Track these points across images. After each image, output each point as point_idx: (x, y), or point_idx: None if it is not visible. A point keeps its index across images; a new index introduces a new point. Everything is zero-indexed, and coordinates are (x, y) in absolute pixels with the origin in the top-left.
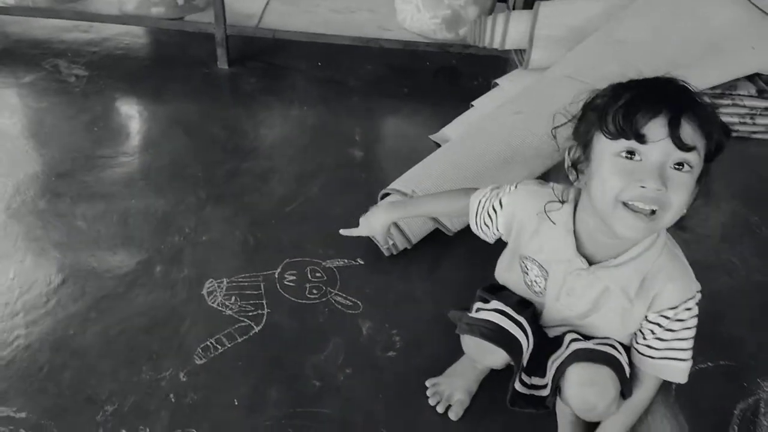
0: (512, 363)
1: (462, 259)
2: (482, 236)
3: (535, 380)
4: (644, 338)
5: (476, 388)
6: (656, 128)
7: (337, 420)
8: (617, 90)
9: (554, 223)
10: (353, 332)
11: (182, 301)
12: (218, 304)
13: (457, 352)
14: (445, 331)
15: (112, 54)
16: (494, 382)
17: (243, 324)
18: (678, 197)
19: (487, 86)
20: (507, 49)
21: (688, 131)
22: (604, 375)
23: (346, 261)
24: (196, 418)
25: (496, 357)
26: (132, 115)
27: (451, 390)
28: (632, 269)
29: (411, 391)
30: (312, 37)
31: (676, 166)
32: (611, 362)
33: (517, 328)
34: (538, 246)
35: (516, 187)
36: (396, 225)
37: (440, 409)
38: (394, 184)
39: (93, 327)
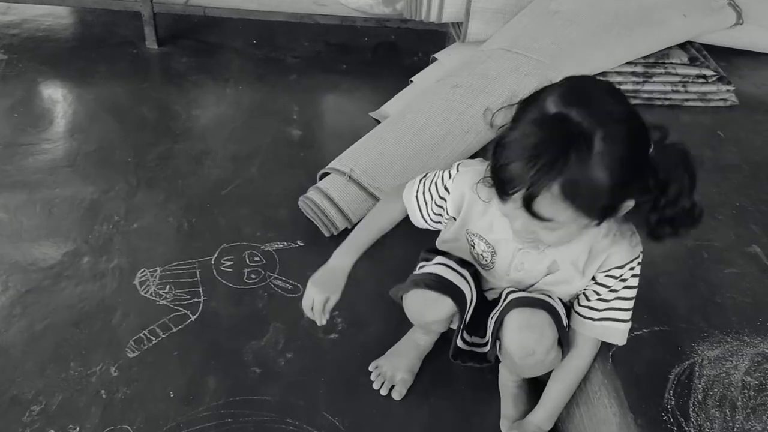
0: (456, 317)
1: (404, 238)
2: (434, 227)
3: (476, 339)
4: (587, 299)
5: (419, 367)
6: (516, 197)
7: (278, 406)
8: (504, 139)
9: (486, 201)
10: (294, 316)
11: (113, 293)
12: (152, 294)
13: (400, 331)
14: (388, 310)
15: (33, 36)
16: (436, 359)
17: (178, 313)
18: (550, 239)
19: (426, 61)
20: (444, 23)
21: (546, 206)
22: (542, 318)
23: (285, 243)
24: (130, 414)
25: (441, 310)
26: (56, 99)
27: (393, 370)
28: (581, 243)
29: (354, 374)
30: (245, 14)
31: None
32: (548, 308)
33: (462, 279)
34: (488, 224)
35: (458, 169)
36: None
37: (383, 391)
38: (333, 164)
39: (17, 323)
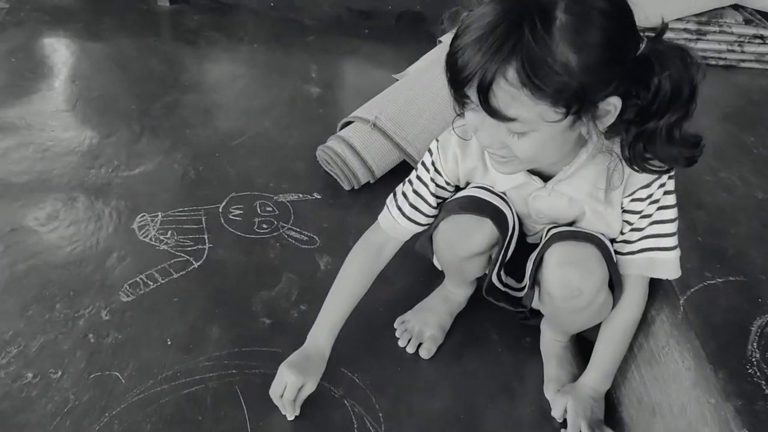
0: (494, 250)
1: None
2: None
3: (511, 281)
4: (621, 234)
5: (450, 324)
6: (471, 94)
7: None
8: (461, 24)
9: (467, 139)
10: (309, 267)
11: (108, 236)
12: (151, 239)
13: (427, 289)
14: (415, 265)
15: None
16: (470, 318)
17: (180, 259)
18: (522, 150)
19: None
20: None
21: (504, 98)
22: (588, 252)
23: (300, 195)
24: (120, 360)
25: (480, 236)
26: (57, 48)
27: (422, 326)
28: (592, 171)
29: (377, 329)
30: None
31: (508, 130)
32: (596, 242)
33: (502, 201)
34: (491, 181)
35: (438, 140)
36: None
37: (410, 349)
38: (356, 112)
39: None
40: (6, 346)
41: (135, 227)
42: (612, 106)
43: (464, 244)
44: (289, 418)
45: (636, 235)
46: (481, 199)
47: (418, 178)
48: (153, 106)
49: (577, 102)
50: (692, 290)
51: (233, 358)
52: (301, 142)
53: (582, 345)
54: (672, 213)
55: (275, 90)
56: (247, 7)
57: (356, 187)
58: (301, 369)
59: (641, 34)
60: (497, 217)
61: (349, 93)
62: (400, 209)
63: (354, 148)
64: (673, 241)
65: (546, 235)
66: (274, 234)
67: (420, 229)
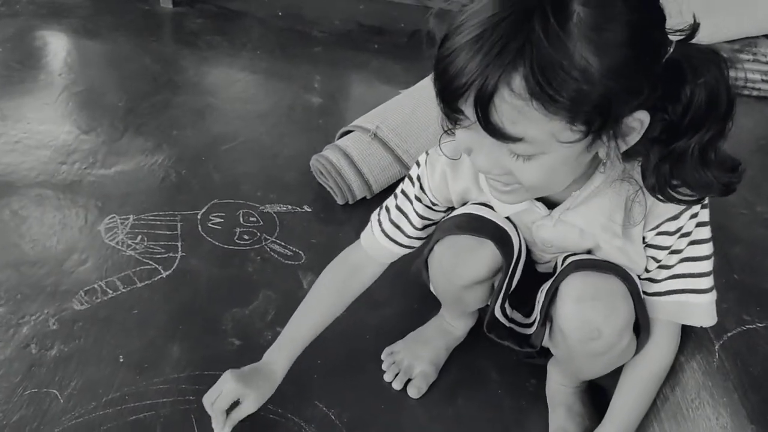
0: (497, 279)
1: None
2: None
3: (518, 316)
4: (646, 271)
5: (444, 359)
6: (466, 109)
7: None
8: (454, 21)
9: (454, 158)
10: (290, 285)
11: (71, 236)
12: (118, 243)
13: (421, 316)
14: (409, 289)
15: None
16: (468, 354)
17: (147, 267)
18: (529, 176)
19: None
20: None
21: (508, 112)
22: (613, 286)
23: (289, 207)
24: (62, 376)
25: (481, 260)
26: (49, 41)
27: (412, 360)
28: (607, 200)
29: (360, 359)
30: None
31: (511, 153)
32: (622, 274)
33: (507, 221)
34: (486, 200)
35: (426, 162)
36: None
37: (397, 385)
38: (357, 121)
39: None
40: None
41: (102, 229)
42: (638, 121)
43: (462, 270)
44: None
45: (664, 274)
46: (482, 217)
47: (403, 192)
48: (141, 105)
49: (599, 117)
50: (729, 335)
51: (192, 382)
52: (296, 152)
53: (595, 391)
54: (707, 249)
55: (274, 97)
56: (253, 15)
57: (351, 202)
58: (244, 381)
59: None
60: (500, 238)
61: (353, 105)
62: (380, 224)
63: (351, 158)
64: (707, 282)
65: (562, 264)
66: (256, 246)
67: (400, 250)
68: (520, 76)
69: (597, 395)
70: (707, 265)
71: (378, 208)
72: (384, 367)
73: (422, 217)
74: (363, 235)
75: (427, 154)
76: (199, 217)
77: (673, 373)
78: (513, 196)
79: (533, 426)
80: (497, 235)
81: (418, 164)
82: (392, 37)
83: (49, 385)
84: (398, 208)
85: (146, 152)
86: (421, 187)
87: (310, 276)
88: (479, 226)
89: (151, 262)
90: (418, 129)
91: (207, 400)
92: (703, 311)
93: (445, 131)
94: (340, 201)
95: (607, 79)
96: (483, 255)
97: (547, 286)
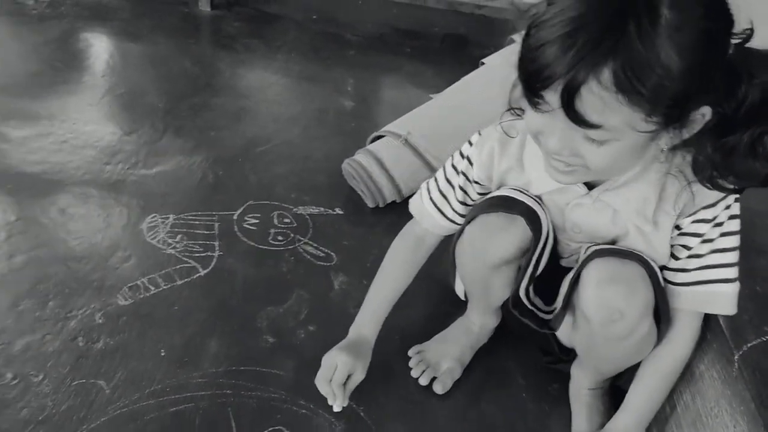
0: (525, 258)
1: None
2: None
3: (539, 302)
4: (675, 259)
5: (470, 358)
6: (550, 95)
7: (291, 383)
8: (536, 20)
9: (513, 137)
10: (323, 286)
11: (115, 234)
12: (159, 241)
13: (446, 319)
14: (435, 293)
15: None
16: (492, 354)
17: (186, 265)
18: (597, 159)
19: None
20: (524, 8)
21: (593, 102)
22: (634, 271)
23: (322, 209)
24: (107, 368)
25: (511, 237)
26: (92, 43)
27: (439, 357)
28: (645, 184)
29: (388, 358)
30: None
31: (585, 137)
32: (642, 261)
33: (536, 203)
34: (526, 183)
35: (479, 133)
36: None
37: (423, 381)
38: (388, 126)
39: None
40: None
41: (144, 227)
42: (701, 115)
43: (492, 247)
44: (335, 409)
45: (694, 263)
46: (513, 198)
47: (453, 166)
48: (180, 107)
49: (675, 110)
50: (749, 345)
51: (229, 376)
52: (328, 155)
53: (617, 394)
54: (735, 240)
55: (307, 100)
56: (289, 18)
57: (381, 205)
58: (351, 352)
59: None
60: (530, 216)
61: (385, 109)
62: (429, 192)
63: (382, 163)
64: (734, 272)
65: (585, 253)
66: (289, 247)
67: (445, 223)
68: (609, 70)
69: (619, 398)
70: (735, 256)
71: (428, 179)
72: (411, 364)
73: (465, 192)
74: (411, 202)
75: (480, 134)
76: (235, 217)
77: (692, 381)
78: (571, 177)
79: (555, 429)
80: (527, 212)
81: (470, 143)
82: (425, 40)
83: (96, 376)
84: (447, 179)
85: (185, 153)
86: (469, 162)
87: (341, 277)
88: (511, 204)
89: (190, 261)
90: (448, 135)
91: (322, 379)
92: (728, 300)
93: (509, 110)
94: (370, 204)
95: (685, 77)
96: (513, 232)
97: (571, 275)
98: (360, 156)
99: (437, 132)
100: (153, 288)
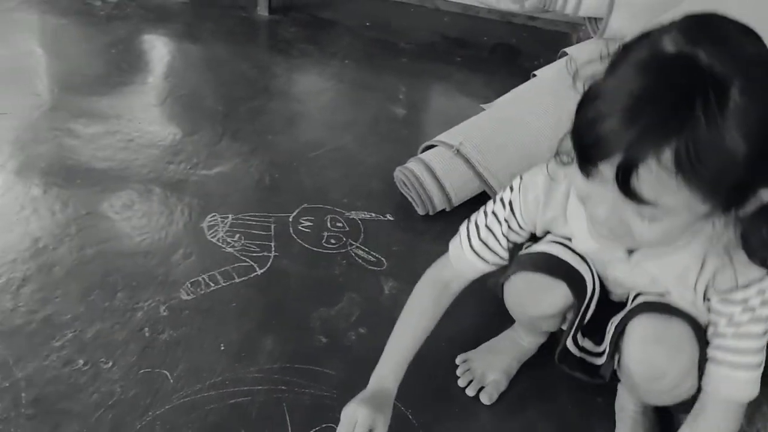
0: (571, 313)
1: None
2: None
3: (589, 344)
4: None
5: (516, 370)
6: (605, 167)
7: (342, 383)
8: (595, 90)
9: (558, 182)
10: (373, 290)
11: (177, 231)
12: (219, 240)
13: (495, 328)
14: (483, 303)
15: None
16: (539, 366)
17: (244, 264)
18: (646, 234)
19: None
20: (576, 23)
21: (649, 182)
22: (679, 330)
23: (373, 215)
24: (171, 359)
25: (552, 300)
26: (156, 45)
27: (485, 368)
28: (688, 253)
29: (436, 365)
30: None
31: (636, 212)
32: (689, 319)
33: (582, 261)
34: (568, 233)
35: (521, 178)
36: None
37: (471, 392)
38: (440, 137)
39: (69, 243)
40: (62, 328)
41: (204, 226)
42: (759, 199)
43: (535, 306)
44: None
45: (716, 341)
46: (558, 258)
47: (493, 213)
48: (238, 110)
49: (734, 195)
50: None
51: (284, 373)
52: (380, 161)
53: (662, 411)
54: (764, 327)
55: (360, 107)
56: (343, 25)
57: (431, 213)
58: (371, 405)
59: None
60: (573, 280)
61: (435, 118)
62: (469, 240)
63: (433, 172)
64: (757, 359)
65: (632, 301)
66: (342, 251)
67: (485, 267)
68: (671, 151)
69: (665, 413)
70: (761, 343)
71: (466, 222)
72: (458, 372)
73: (509, 240)
74: (452, 247)
75: (521, 179)
76: (290, 219)
77: None
78: (613, 242)
79: None
80: (571, 276)
81: (511, 188)
82: (475, 50)
83: (161, 366)
84: (487, 227)
85: (243, 155)
86: (512, 211)
87: (391, 282)
88: (554, 266)
89: (247, 260)
90: (499, 148)
91: (346, 429)
92: (744, 386)
93: (557, 159)
94: (420, 211)
95: (749, 163)
96: (556, 294)
97: (618, 320)
98: (412, 164)
99: (489, 144)
100: (213, 285)
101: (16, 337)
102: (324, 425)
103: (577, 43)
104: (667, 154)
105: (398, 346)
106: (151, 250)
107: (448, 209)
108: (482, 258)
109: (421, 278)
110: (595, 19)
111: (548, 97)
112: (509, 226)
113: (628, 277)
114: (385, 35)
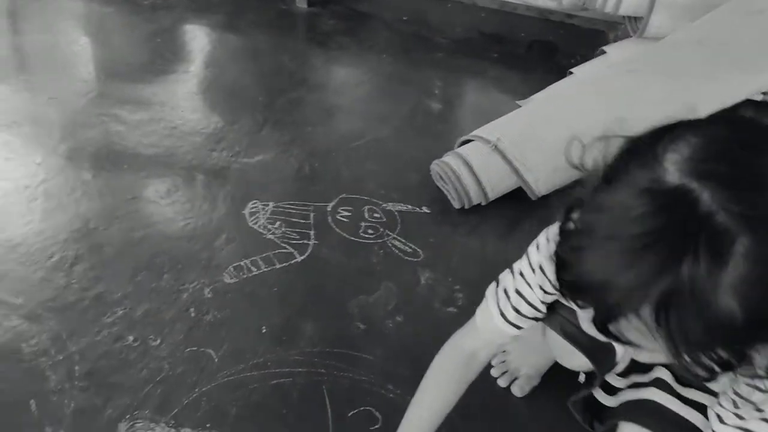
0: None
1: (544, 225)
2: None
3: (602, 395)
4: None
5: (547, 368)
6: (585, 301)
7: (380, 369)
8: (585, 203)
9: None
10: (409, 280)
11: (220, 217)
12: (260, 227)
13: None
14: None
15: None
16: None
17: (284, 251)
18: (649, 359)
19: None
20: (615, 21)
21: (629, 329)
22: None
23: (410, 207)
24: (215, 339)
25: (578, 361)
26: (198, 35)
27: (520, 363)
28: None
29: None
30: None
31: None
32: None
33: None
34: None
35: (547, 249)
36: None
37: (503, 383)
38: (478, 131)
39: (118, 225)
40: (113, 306)
41: (246, 213)
42: (756, 354)
43: (565, 359)
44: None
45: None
46: (586, 334)
47: (522, 275)
48: (278, 100)
49: (724, 364)
50: None
51: (324, 357)
52: (416, 154)
53: None
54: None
55: (397, 100)
56: (380, 18)
57: (466, 207)
58: None
59: None
60: (597, 354)
61: (470, 113)
62: (500, 308)
63: (470, 166)
64: None
65: (649, 377)
66: (379, 241)
67: (515, 332)
68: (650, 308)
69: None
70: None
71: (493, 286)
72: (493, 363)
73: (542, 302)
74: (479, 314)
75: (548, 238)
76: (329, 209)
77: None
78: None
79: None
80: (595, 351)
81: (537, 247)
82: (511, 46)
83: (206, 345)
84: (519, 293)
85: (283, 145)
86: (543, 274)
87: (427, 273)
88: (578, 336)
89: (287, 247)
90: (536, 144)
91: None
92: None
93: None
94: (456, 205)
95: (742, 333)
96: (581, 359)
97: (626, 396)
98: (449, 158)
99: (526, 140)
100: (255, 269)
101: (69, 312)
102: (362, 408)
103: (615, 41)
104: (646, 311)
105: (421, 420)
106: (195, 235)
107: (483, 203)
108: (515, 325)
109: (443, 347)
110: (635, 18)
111: (586, 95)
112: (544, 291)
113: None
114: (422, 30)
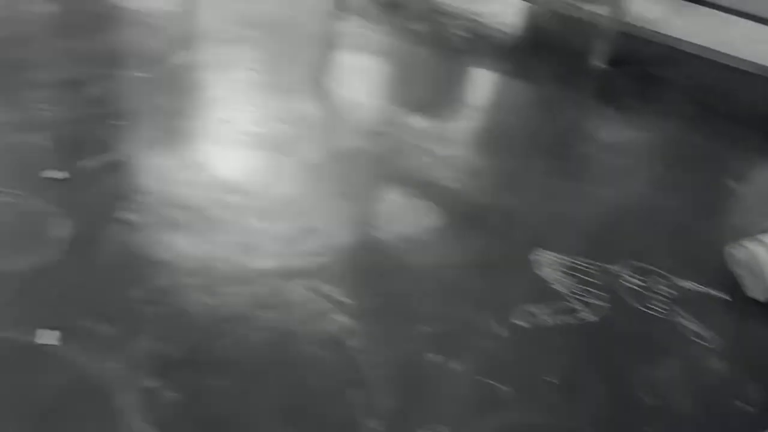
0: None
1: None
2: None
3: None
4: None
5: None
6: None
7: None
8: None
9: None
10: (698, 362)
11: (508, 260)
12: (545, 276)
13: None
14: None
15: (492, 26)
16: None
17: (568, 304)
18: None
19: None
20: None
21: None
22: None
23: (701, 286)
24: (506, 377)
25: None
26: (491, 79)
27: None
28: None
29: None
30: (709, 53)
31: None
32: None
33: None
34: None
35: None
36: None
37: None
38: None
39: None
40: (421, 324)
41: (534, 259)
42: None
43: None
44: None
45: None
46: None
47: None
48: (566, 153)
49: None
50: None
51: (608, 420)
52: (712, 233)
53: None
54: None
55: (685, 170)
56: (676, 84)
57: (762, 300)
58: None
59: None
60: None
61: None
62: None
63: None
64: None
65: None
66: (668, 317)
67: None
68: None
69: None
70: None
71: None
72: None
73: None
74: None
75: None
76: (615, 271)
77: None
78: None
79: None
80: None
81: None
82: None
83: (501, 380)
84: None
85: (575, 199)
86: None
87: (714, 360)
88: None
89: (571, 302)
90: None
91: None
92: None
93: None
94: (749, 294)
95: None
96: None
97: None
98: (753, 245)
99: None
100: (541, 317)
101: (382, 318)
102: None
103: None
104: None
105: None
106: (487, 273)
107: None
108: None
109: None
110: None
111: None
112: None
113: None
114: (718, 100)
